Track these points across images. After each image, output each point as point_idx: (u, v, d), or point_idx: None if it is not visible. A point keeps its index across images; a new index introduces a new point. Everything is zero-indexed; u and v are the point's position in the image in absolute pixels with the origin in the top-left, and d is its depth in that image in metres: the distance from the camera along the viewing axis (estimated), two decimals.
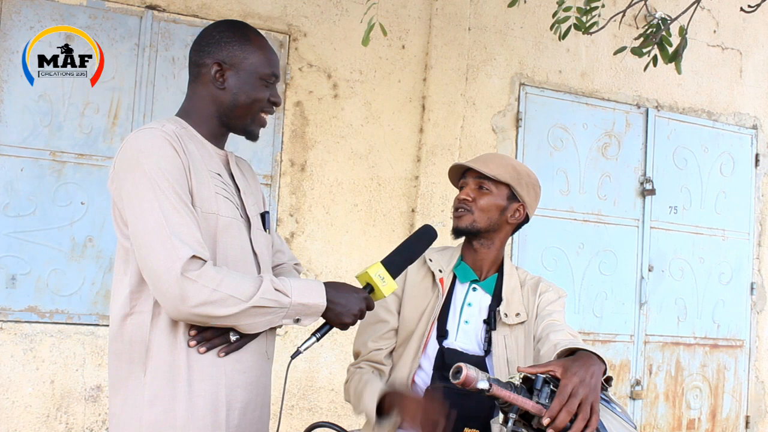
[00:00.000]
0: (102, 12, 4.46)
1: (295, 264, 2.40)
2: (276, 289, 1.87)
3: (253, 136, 2.14)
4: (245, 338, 1.96)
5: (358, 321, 2.04)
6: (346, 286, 2.02)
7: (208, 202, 1.93)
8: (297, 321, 1.93)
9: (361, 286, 2.07)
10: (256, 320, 1.87)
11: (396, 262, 2.09)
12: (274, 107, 2.13)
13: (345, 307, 1.98)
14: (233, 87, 2.04)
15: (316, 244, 4.84)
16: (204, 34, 2.10)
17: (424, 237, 2.18)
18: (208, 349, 1.91)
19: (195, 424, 1.88)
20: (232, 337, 1.93)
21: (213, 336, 1.91)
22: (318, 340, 2.01)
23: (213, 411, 1.90)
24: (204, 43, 2.07)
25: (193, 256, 1.78)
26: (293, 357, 2.01)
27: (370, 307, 2.03)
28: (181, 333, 1.89)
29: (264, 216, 2.18)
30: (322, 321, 2.02)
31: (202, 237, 1.85)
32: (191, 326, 1.89)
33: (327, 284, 2.00)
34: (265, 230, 2.17)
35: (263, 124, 2.13)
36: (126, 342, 1.92)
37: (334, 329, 2.05)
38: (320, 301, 1.94)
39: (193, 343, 1.89)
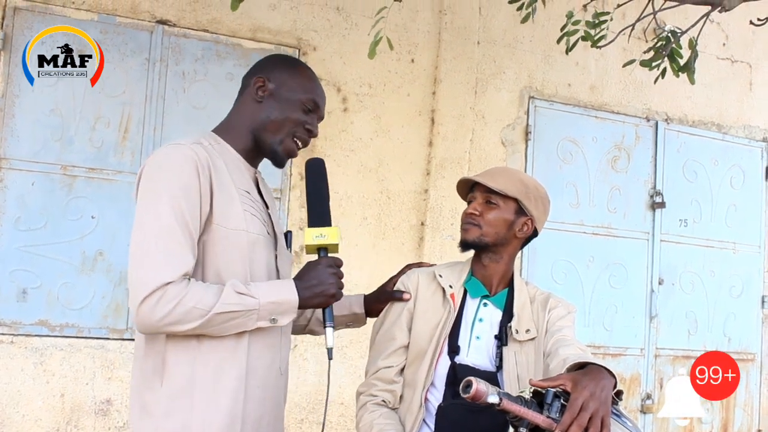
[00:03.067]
0: (113, 27, 4.49)
1: None
2: (239, 293, 1.88)
3: (278, 160, 2.14)
4: None
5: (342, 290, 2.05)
6: (307, 267, 2.02)
7: (235, 219, 1.97)
8: (274, 321, 1.94)
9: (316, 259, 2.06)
10: (224, 326, 1.89)
11: (319, 214, 2.08)
12: (309, 136, 2.14)
13: (319, 284, 1.98)
14: (270, 101, 2.08)
15: None
16: (259, 60, 2.20)
17: (317, 174, 2.14)
18: None
19: None
20: None
21: None
22: (333, 327, 2.04)
23: (229, 424, 1.92)
24: (257, 67, 2.16)
25: (166, 282, 1.81)
26: (331, 358, 2.03)
27: (338, 264, 2.03)
28: (198, 345, 1.91)
29: (287, 235, 2.22)
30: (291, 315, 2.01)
31: (191, 258, 1.87)
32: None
33: (294, 278, 2.01)
34: (288, 248, 2.21)
35: (292, 151, 2.13)
36: (142, 351, 1.96)
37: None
38: (291, 296, 1.94)
39: None
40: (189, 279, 1.86)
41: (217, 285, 1.89)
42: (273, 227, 2.12)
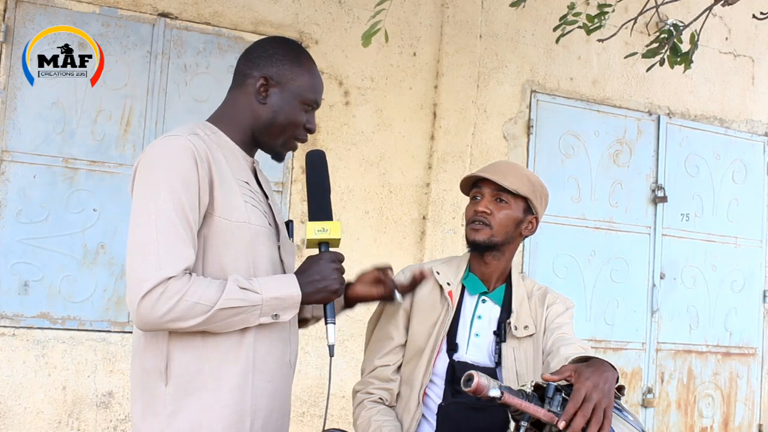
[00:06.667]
0: (115, 20, 4.48)
1: None
2: (242, 288, 1.83)
3: (279, 158, 2.13)
4: None
5: (344, 282, 2.01)
6: (308, 262, 1.98)
7: (237, 211, 1.92)
8: (276, 317, 1.90)
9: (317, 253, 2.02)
10: (227, 322, 1.84)
11: (320, 207, 2.05)
12: (308, 134, 2.11)
13: (322, 279, 1.95)
14: (274, 105, 2.02)
15: None
16: (257, 45, 2.09)
17: (318, 166, 2.11)
18: None
19: None
20: None
21: None
22: (334, 323, 1.99)
23: (238, 421, 1.89)
24: (255, 54, 2.06)
25: (168, 277, 1.76)
26: (332, 355, 2.00)
27: (340, 259, 2.00)
28: (202, 342, 1.87)
29: (288, 225, 2.17)
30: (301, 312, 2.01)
31: (192, 252, 1.82)
32: None
33: (296, 272, 1.97)
34: (290, 238, 2.16)
35: (293, 148, 2.12)
36: (142, 349, 1.91)
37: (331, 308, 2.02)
38: (294, 292, 1.90)
39: None
40: (190, 274, 1.81)
41: (219, 280, 1.84)
42: (274, 218, 2.08)
